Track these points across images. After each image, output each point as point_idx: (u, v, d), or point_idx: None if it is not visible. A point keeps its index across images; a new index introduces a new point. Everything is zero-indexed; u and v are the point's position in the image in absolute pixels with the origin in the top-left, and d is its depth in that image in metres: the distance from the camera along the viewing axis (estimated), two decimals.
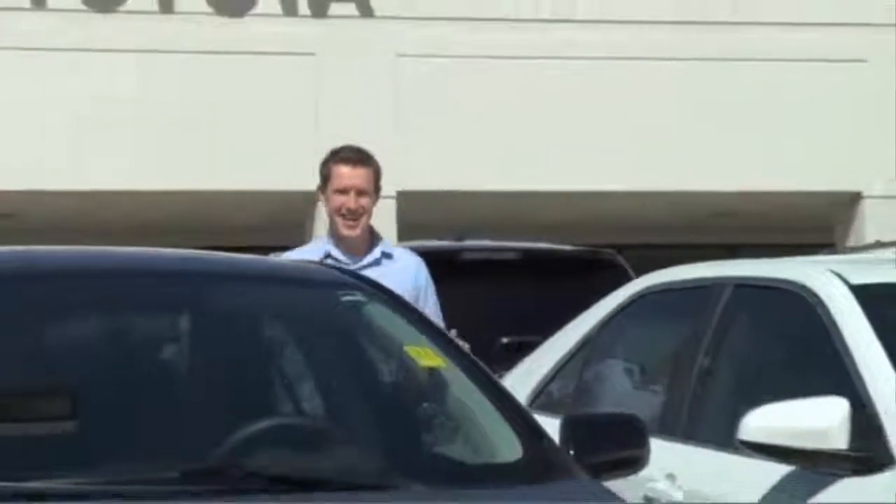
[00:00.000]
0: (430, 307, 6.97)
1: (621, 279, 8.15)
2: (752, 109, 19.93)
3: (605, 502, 4.44)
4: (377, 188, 7.21)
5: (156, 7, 20.24)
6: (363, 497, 4.37)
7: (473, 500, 4.46)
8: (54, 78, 19.59)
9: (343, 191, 6.95)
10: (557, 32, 19.82)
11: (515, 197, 18.78)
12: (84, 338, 5.25)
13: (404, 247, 7.49)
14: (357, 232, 6.96)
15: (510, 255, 9.39)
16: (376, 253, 7.01)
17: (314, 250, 7.04)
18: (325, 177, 7.15)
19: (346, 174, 7.01)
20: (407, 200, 19.58)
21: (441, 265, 8.44)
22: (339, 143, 20.42)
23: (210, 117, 19.98)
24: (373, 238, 7.13)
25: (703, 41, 19.94)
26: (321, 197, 7.26)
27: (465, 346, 6.22)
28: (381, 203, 21.36)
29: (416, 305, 6.50)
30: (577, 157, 19.46)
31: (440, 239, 10.78)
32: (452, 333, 6.44)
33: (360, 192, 6.97)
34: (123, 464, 4.31)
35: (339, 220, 6.97)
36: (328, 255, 6.89)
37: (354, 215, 6.93)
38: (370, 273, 6.64)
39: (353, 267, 6.74)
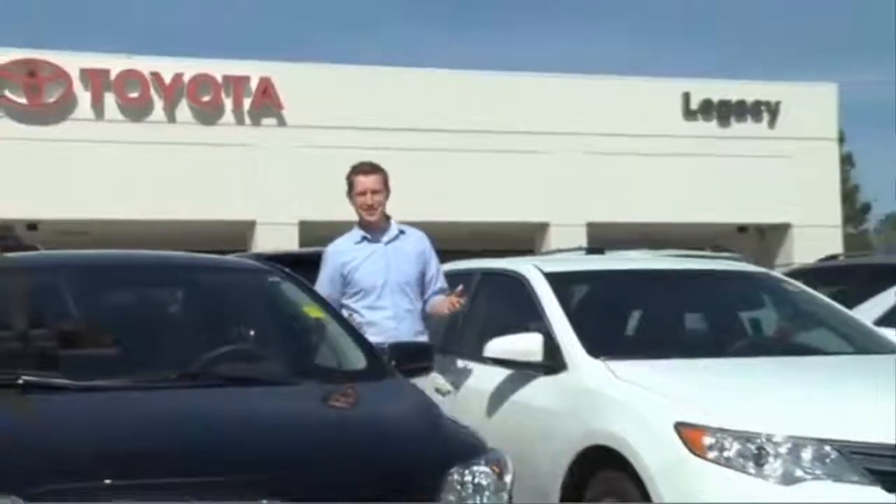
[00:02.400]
0: (434, 266, 6.09)
1: None
2: (493, 178, 20.17)
3: (411, 391, 4.42)
4: (387, 188, 6.08)
5: (165, 119, 20.08)
6: (277, 388, 4.33)
7: (339, 389, 4.43)
8: (109, 160, 19.38)
9: (362, 192, 5.97)
10: (389, 136, 19.88)
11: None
12: (122, 300, 5.17)
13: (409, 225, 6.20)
14: (375, 218, 5.95)
15: None
16: (393, 231, 6.02)
17: (352, 237, 6.06)
18: (350, 184, 6.08)
19: (363, 181, 6.00)
20: (305, 226, 19.53)
21: (316, 263, 8.14)
22: (267, 195, 20.59)
23: (195, 179, 19.74)
24: (388, 220, 6.07)
25: (473, 142, 20.17)
26: (349, 200, 6.16)
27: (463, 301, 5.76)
28: (286, 227, 21.21)
29: (424, 264, 5.97)
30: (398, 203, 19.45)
31: (321, 247, 10.45)
32: (460, 288, 5.82)
33: (374, 192, 5.96)
34: (145, 371, 4.24)
35: (362, 213, 5.98)
36: (363, 238, 6.02)
37: (372, 208, 5.94)
38: (393, 245, 5.96)
39: (381, 242, 5.93)
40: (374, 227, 5.92)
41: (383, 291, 5.75)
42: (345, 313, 5.54)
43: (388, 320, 5.59)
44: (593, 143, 21.36)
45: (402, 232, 5.96)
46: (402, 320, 5.61)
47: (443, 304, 5.86)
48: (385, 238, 5.92)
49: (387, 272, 5.76)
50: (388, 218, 5.97)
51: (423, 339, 5.71)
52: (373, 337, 5.26)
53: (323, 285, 5.82)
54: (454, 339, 6.37)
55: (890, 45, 66.80)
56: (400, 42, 63.21)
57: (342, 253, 5.96)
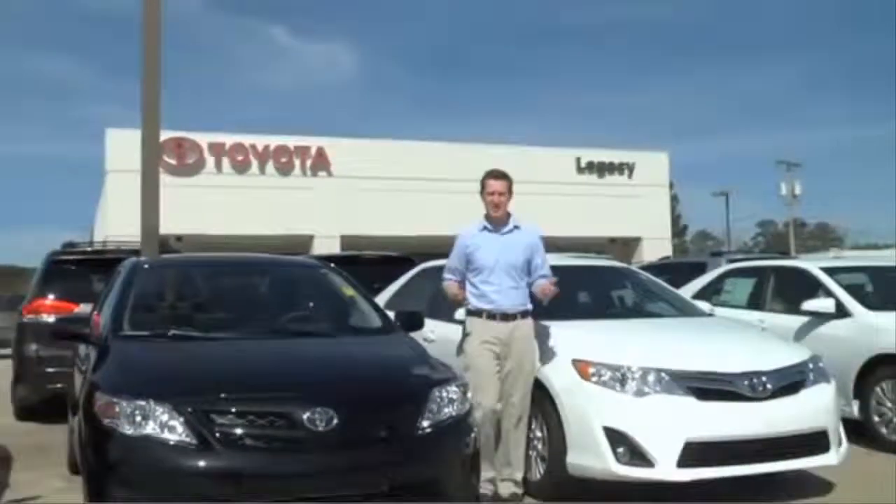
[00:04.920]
0: (539, 257, 4.78)
1: (410, 267, 7.58)
2: (458, 208, 20.07)
3: (409, 340, 4.36)
4: (510, 192, 4.87)
5: (258, 173, 20.05)
6: (325, 339, 4.23)
7: (364, 340, 4.34)
8: (224, 198, 19.24)
9: (491, 193, 4.77)
10: (396, 183, 19.74)
11: (381, 238, 18.57)
12: (229, 284, 5.03)
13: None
14: (499, 214, 4.73)
15: (375, 258, 8.80)
16: (511, 225, 4.79)
17: (477, 226, 4.85)
18: (483, 186, 4.84)
19: (493, 184, 4.78)
20: (345, 239, 19.49)
21: (350, 261, 7.79)
22: (320, 219, 20.52)
23: (276, 209, 19.59)
24: (509, 217, 4.82)
25: (445, 186, 19.95)
26: (481, 197, 4.87)
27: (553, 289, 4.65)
28: (332, 239, 21.01)
29: (532, 254, 4.77)
30: (408, 223, 19.23)
31: (354, 251, 10.21)
32: (554, 279, 4.69)
33: (500, 194, 4.76)
34: (245, 328, 4.17)
35: (489, 209, 4.79)
36: (485, 228, 4.79)
37: (497, 206, 4.74)
38: (507, 236, 4.77)
39: (498, 233, 4.78)
40: (496, 220, 4.84)
41: (493, 271, 4.75)
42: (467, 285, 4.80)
43: (494, 293, 4.70)
44: (521, 187, 21.01)
45: (517, 227, 4.88)
46: (505, 295, 4.69)
47: (541, 289, 4.76)
48: (502, 230, 4.84)
49: (497, 256, 4.76)
50: (509, 215, 4.90)
51: (525, 308, 4.70)
52: (483, 305, 4.62)
53: (452, 259, 4.92)
54: (437, 308, 6.26)
55: (702, 127, 67.57)
56: (402, 123, 63.63)
57: (467, 237, 4.89)
